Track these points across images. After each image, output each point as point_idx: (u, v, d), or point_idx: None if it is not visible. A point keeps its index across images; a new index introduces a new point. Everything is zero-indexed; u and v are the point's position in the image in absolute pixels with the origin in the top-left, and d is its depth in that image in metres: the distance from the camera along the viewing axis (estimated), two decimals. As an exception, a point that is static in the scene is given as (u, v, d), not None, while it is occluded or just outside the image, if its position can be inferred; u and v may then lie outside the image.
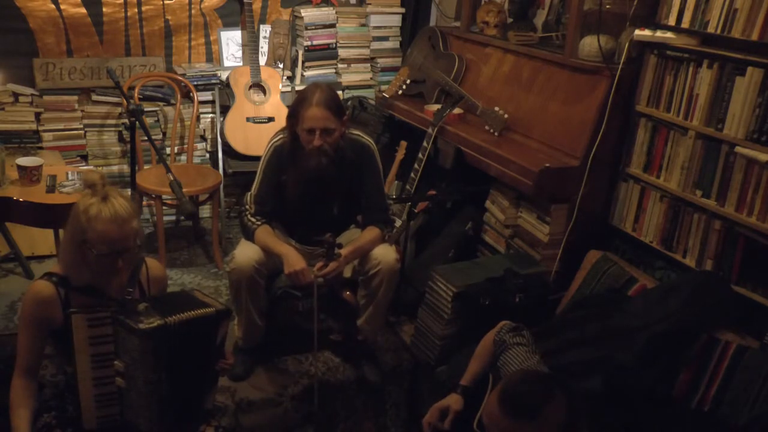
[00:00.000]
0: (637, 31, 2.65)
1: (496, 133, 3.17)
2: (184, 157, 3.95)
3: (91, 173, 1.80)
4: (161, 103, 3.90)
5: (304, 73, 4.18)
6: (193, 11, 3.97)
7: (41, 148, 3.64)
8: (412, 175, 3.34)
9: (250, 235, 2.65)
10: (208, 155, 4.08)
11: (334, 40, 4.22)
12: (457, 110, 3.39)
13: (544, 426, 1.62)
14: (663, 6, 2.61)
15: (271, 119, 3.85)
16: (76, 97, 3.73)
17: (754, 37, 2.28)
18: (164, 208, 3.56)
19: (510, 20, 3.54)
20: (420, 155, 3.32)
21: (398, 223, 3.21)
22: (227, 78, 3.86)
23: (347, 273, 2.68)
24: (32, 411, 1.80)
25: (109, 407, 1.80)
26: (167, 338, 1.73)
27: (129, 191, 3.30)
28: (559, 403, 1.65)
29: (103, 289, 1.81)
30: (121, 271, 1.79)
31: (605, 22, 2.81)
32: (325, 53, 4.22)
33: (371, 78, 4.39)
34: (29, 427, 1.76)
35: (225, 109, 3.86)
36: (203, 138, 4.05)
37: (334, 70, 4.30)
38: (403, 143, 3.69)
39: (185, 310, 1.80)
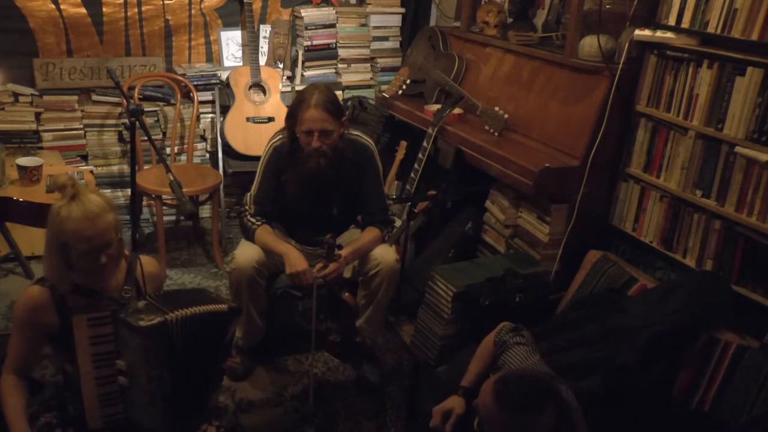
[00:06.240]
0: (637, 31, 2.65)
1: (496, 133, 3.17)
2: (184, 157, 3.95)
3: (60, 176, 1.79)
4: (161, 103, 3.90)
5: (304, 73, 4.18)
6: (193, 11, 3.97)
7: (41, 148, 3.65)
8: (412, 175, 3.34)
9: (250, 236, 2.65)
10: (208, 155, 4.09)
11: (334, 40, 4.22)
12: (457, 110, 3.39)
13: (532, 427, 1.66)
14: (663, 6, 2.61)
15: (271, 119, 3.85)
16: (76, 97, 3.74)
17: (754, 37, 2.28)
18: (164, 208, 3.56)
19: (510, 20, 3.54)
20: (420, 155, 3.32)
21: (398, 223, 3.21)
22: (227, 78, 3.86)
23: (347, 274, 2.68)
24: (24, 401, 1.80)
25: (112, 406, 1.80)
26: (169, 335, 1.73)
27: (128, 192, 3.30)
28: (549, 411, 1.68)
29: (99, 289, 1.81)
30: (106, 266, 1.77)
31: (605, 22, 2.81)
32: (325, 53, 4.22)
33: (371, 78, 4.39)
34: (24, 415, 1.77)
35: (225, 109, 3.86)
36: (203, 138, 4.05)
37: (334, 70, 4.30)
38: (403, 143, 3.69)
39: (189, 306, 1.79)
